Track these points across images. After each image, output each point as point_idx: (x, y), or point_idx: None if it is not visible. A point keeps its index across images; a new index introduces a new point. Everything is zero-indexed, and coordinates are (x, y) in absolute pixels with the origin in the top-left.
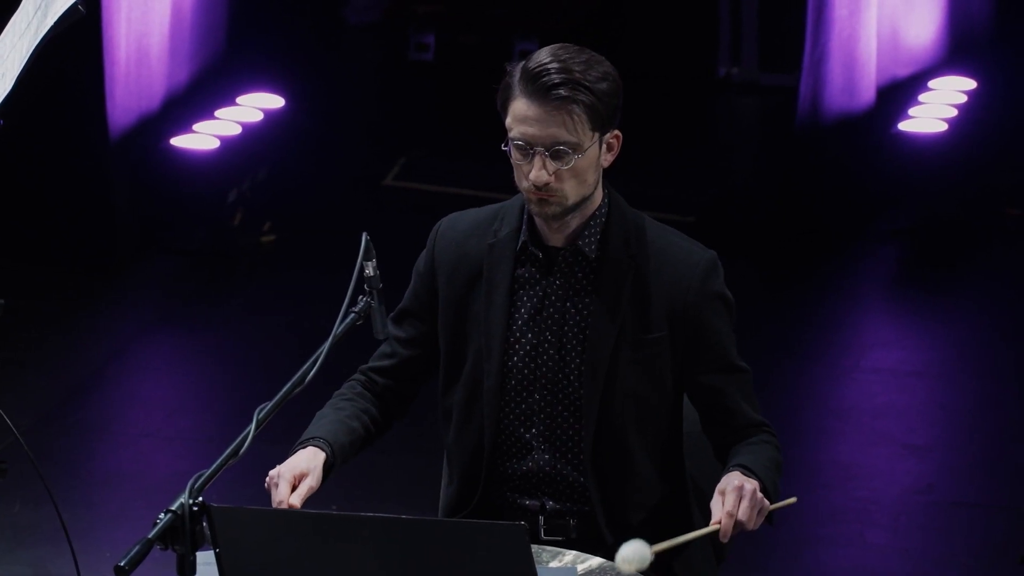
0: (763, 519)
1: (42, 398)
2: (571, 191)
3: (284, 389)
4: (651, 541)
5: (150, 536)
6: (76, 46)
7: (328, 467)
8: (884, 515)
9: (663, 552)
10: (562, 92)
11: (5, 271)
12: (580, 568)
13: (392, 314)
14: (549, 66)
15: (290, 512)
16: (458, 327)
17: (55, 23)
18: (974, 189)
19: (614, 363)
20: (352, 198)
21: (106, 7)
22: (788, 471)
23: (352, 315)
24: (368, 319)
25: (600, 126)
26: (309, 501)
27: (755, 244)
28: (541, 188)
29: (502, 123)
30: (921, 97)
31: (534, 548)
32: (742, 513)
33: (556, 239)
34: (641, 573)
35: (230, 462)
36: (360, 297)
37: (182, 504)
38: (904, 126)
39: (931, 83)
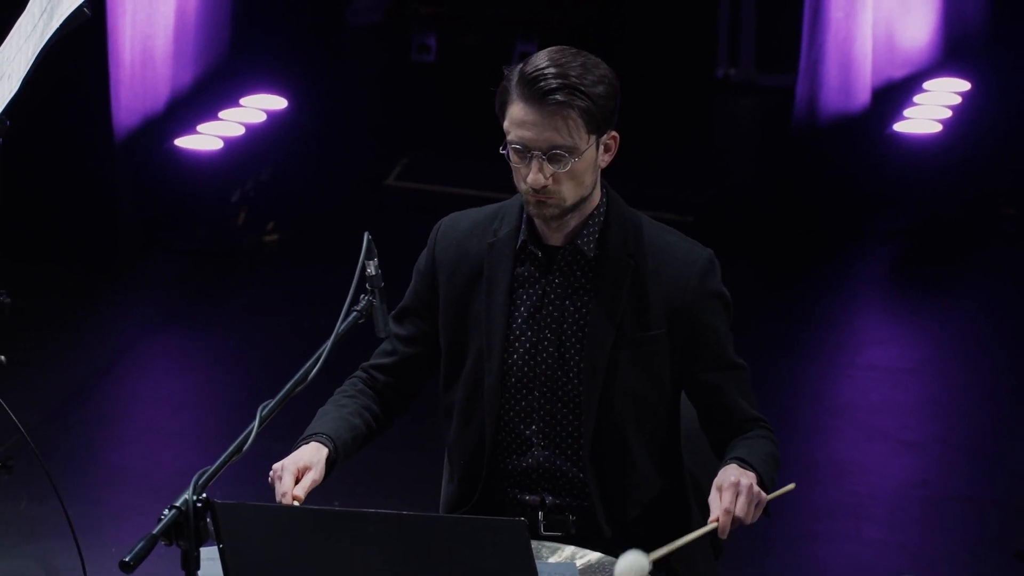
0: (761, 512)
1: (47, 396)
2: (568, 193)
3: (287, 387)
4: (649, 537)
5: (155, 532)
6: (81, 48)
7: (331, 462)
8: (880, 510)
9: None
10: (558, 97)
11: (10, 271)
12: (579, 563)
13: (393, 312)
14: (546, 71)
15: (293, 508)
16: (458, 325)
17: (61, 25)
18: (969, 189)
19: (613, 361)
20: (354, 198)
21: (111, 10)
22: (785, 467)
23: (354, 314)
24: (370, 318)
25: (596, 129)
26: (312, 497)
27: (753, 243)
28: (539, 191)
29: (501, 126)
30: (916, 98)
31: (534, 543)
32: (739, 509)
33: (555, 238)
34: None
35: (234, 459)
36: (362, 296)
37: (186, 500)
38: (899, 127)
39: (926, 84)
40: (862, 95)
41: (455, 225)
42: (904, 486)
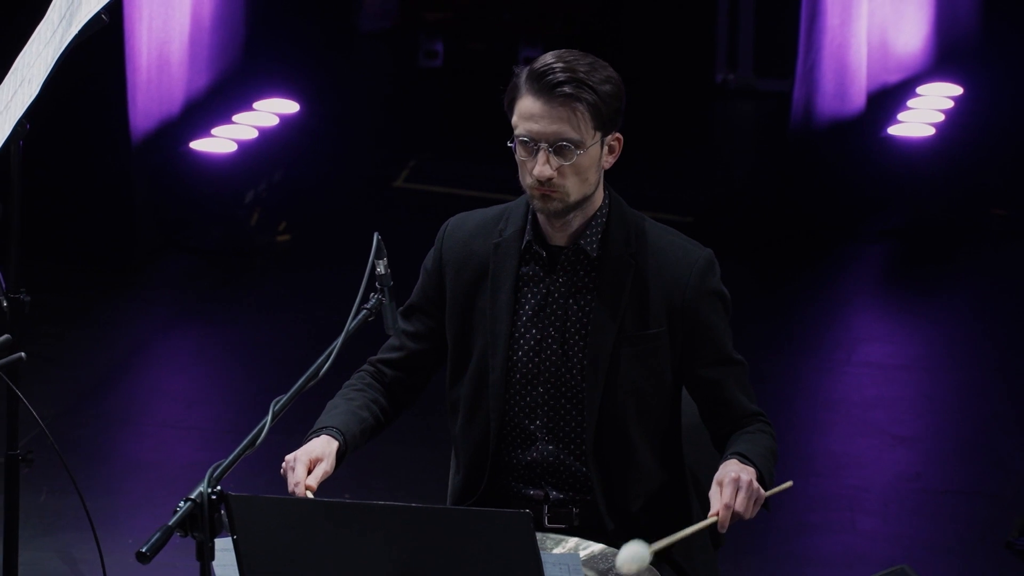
0: (759, 508)
1: (66, 390)
2: (573, 188)
3: (299, 382)
4: (651, 529)
5: (170, 523)
6: (99, 54)
7: (341, 454)
8: (874, 502)
9: (659, 550)
10: (567, 90)
11: (30, 269)
12: (582, 554)
13: (401, 309)
14: (554, 66)
15: (305, 500)
16: (464, 323)
17: (79, 32)
18: (960, 191)
19: (615, 357)
20: (364, 199)
21: (128, 16)
22: (782, 460)
23: (364, 311)
24: (379, 315)
25: (602, 126)
26: (323, 489)
27: (751, 243)
28: (544, 183)
29: (508, 126)
30: (909, 103)
31: (538, 535)
32: (739, 504)
33: (559, 238)
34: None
35: (247, 452)
36: (372, 294)
37: (201, 493)
38: (893, 130)
39: (919, 89)
40: (857, 99)
41: (462, 225)
42: (897, 479)
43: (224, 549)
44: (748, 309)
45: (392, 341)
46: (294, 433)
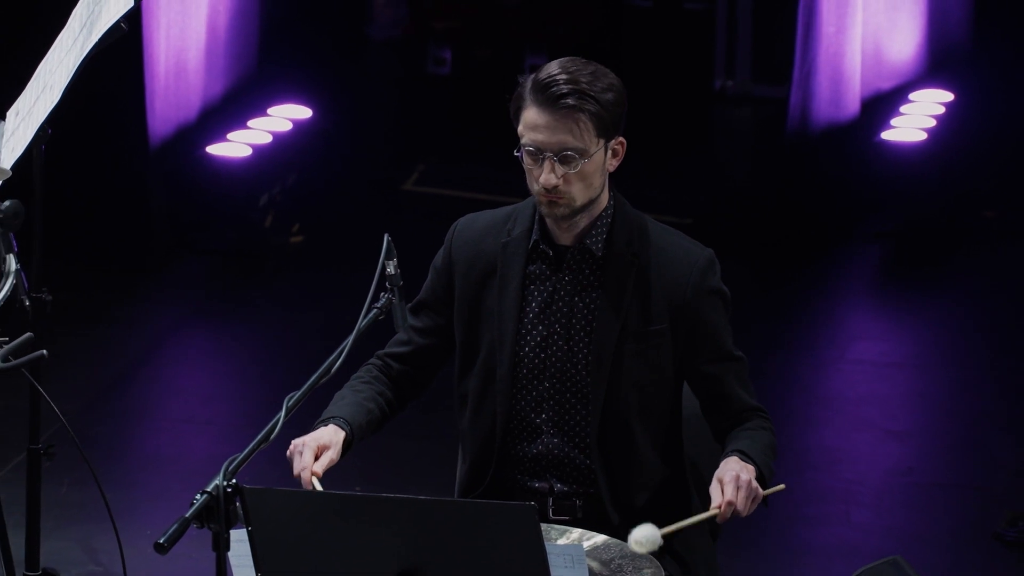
0: (756, 505)
1: (87, 387)
2: (578, 194)
3: (312, 379)
4: (653, 520)
5: (187, 515)
6: (118, 61)
7: (347, 444)
8: (868, 495)
9: (667, 535)
10: (570, 101)
11: (51, 270)
12: (586, 545)
13: (409, 305)
14: (558, 77)
15: (317, 493)
16: (473, 319)
17: (99, 39)
18: (952, 194)
19: (619, 354)
20: (374, 202)
21: (147, 25)
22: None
23: (375, 310)
24: (389, 314)
25: (605, 133)
26: (332, 481)
27: (749, 244)
28: (551, 191)
29: (514, 131)
30: (902, 108)
31: (543, 526)
32: (739, 503)
33: (565, 238)
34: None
35: (261, 446)
36: (382, 294)
37: (217, 485)
38: (886, 135)
39: (912, 95)
40: (851, 105)
41: (470, 225)
42: (890, 473)
43: (239, 540)
44: (746, 308)
45: (400, 336)
46: (307, 428)
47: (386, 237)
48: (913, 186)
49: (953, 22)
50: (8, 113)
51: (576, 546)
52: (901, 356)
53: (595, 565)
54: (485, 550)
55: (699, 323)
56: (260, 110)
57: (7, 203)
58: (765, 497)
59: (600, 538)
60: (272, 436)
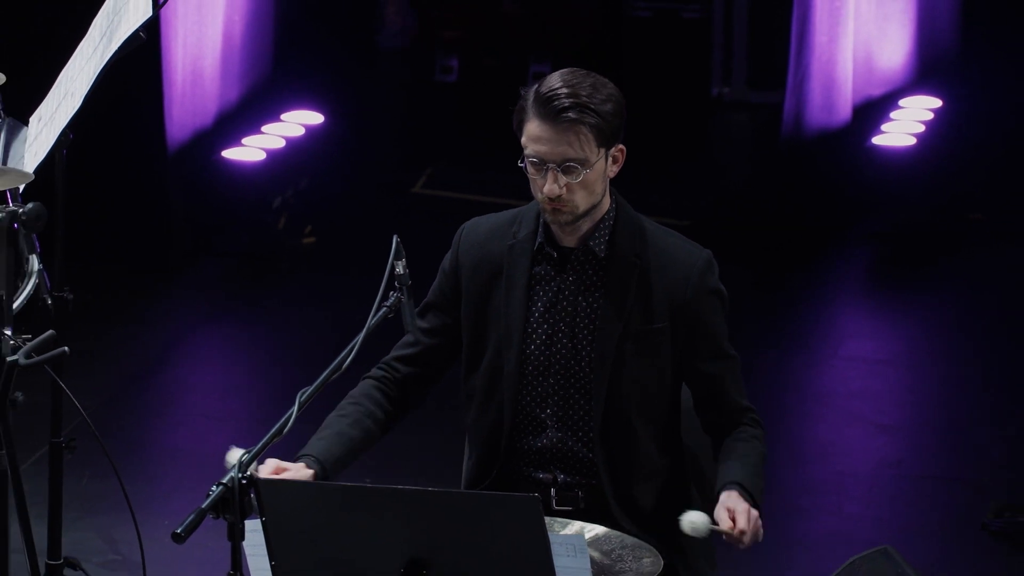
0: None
1: (108, 382)
2: (581, 201)
3: (323, 375)
4: (653, 510)
5: (204, 506)
6: (137, 69)
7: (320, 479)
8: (859, 488)
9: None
10: (571, 115)
11: (73, 270)
12: (587, 535)
13: (418, 308)
14: (559, 91)
15: (329, 485)
16: (479, 319)
17: (119, 48)
18: (940, 197)
19: (620, 351)
20: (383, 204)
21: (165, 34)
22: (773, 449)
23: (384, 309)
24: (398, 313)
25: (606, 142)
26: (344, 475)
27: (745, 245)
28: (554, 200)
29: (518, 140)
30: (892, 114)
31: (546, 518)
32: (748, 537)
33: (569, 240)
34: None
35: (275, 440)
36: (391, 293)
37: (232, 478)
38: (877, 140)
39: (901, 102)
40: (843, 111)
41: (477, 228)
42: (881, 466)
43: (254, 530)
44: (742, 307)
45: (408, 338)
46: (318, 422)
47: (395, 238)
48: (903, 189)
49: (941, 32)
50: (31, 119)
51: (578, 536)
52: (892, 353)
53: (596, 555)
54: (491, 540)
55: (698, 322)
56: (274, 116)
57: (30, 206)
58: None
59: (600, 529)
60: (285, 430)
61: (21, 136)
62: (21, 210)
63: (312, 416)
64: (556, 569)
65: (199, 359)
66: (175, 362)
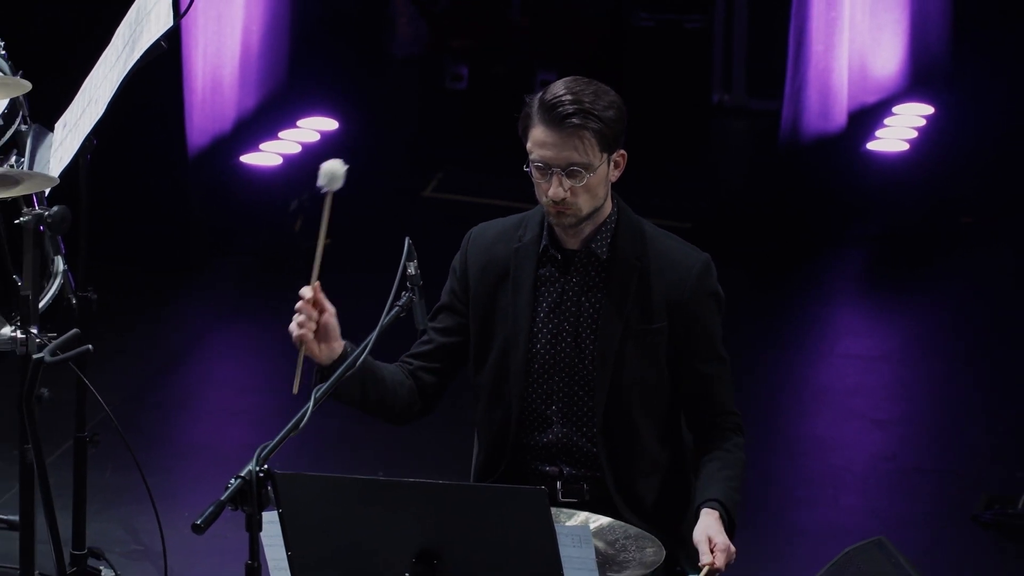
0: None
1: (130, 379)
2: (584, 204)
3: (338, 371)
4: (654, 502)
5: (223, 498)
6: (159, 77)
7: (343, 358)
8: (855, 480)
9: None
10: (575, 120)
11: (97, 271)
12: (592, 526)
13: (431, 312)
14: (563, 98)
15: (343, 478)
16: (487, 319)
17: (141, 57)
18: (932, 200)
19: (622, 350)
20: (396, 207)
21: (185, 43)
22: (771, 443)
23: (396, 308)
24: (410, 312)
25: (608, 147)
26: (358, 469)
27: (744, 247)
28: (559, 203)
29: (524, 145)
30: (886, 121)
31: (552, 509)
32: (722, 567)
33: (572, 243)
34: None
35: (292, 434)
36: (403, 293)
37: (250, 471)
38: (872, 146)
39: (895, 109)
40: (839, 118)
41: (484, 232)
42: (875, 459)
43: (271, 521)
44: (742, 306)
45: (423, 337)
46: (334, 417)
47: (407, 240)
48: (896, 193)
49: (933, 41)
50: (56, 125)
51: (583, 527)
52: (886, 351)
53: (601, 545)
54: (499, 531)
55: (695, 323)
56: (290, 122)
57: (55, 209)
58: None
59: (605, 520)
60: (301, 425)
61: (47, 142)
62: (47, 213)
63: (326, 411)
64: (562, 559)
65: (217, 356)
66: (195, 359)
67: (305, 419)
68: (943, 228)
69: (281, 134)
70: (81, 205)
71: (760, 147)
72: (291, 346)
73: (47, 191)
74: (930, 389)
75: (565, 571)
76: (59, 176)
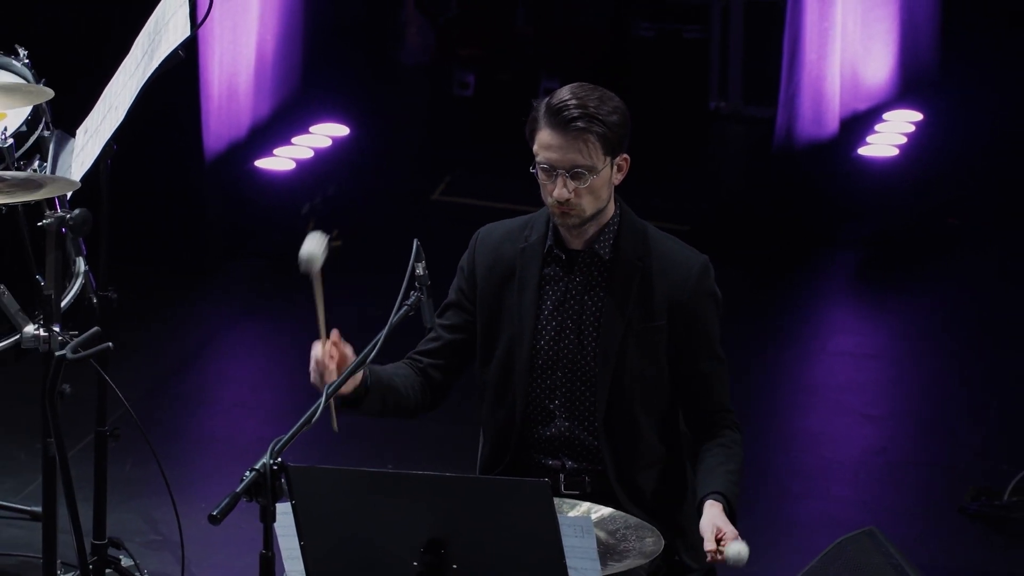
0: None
1: (148, 375)
2: (588, 205)
3: (349, 368)
4: (653, 494)
5: (238, 490)
6: (177, 84)
7: (364, 384)
8: (846, 473)
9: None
10: (579, 124)
11: (117, 272)
12: (594, 516)
13: (439, 309)
14: (568, 102)
15: (354, 471)
16: (493, 316)
17: (159, 65)
18: (920, 203)
19: (623, 347)
20: (405, 210)
21: (202, 52)
22: (766, 438)
23: (405, 307)
24: (418, 311)
25: (611, 151)
26: (368, 462)
27: (741, 248)
28: (563, 204)
29: (530, 148)
30: (877, 127)
31: (555, 500)
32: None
33: (576, 243)
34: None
35: (304, 429)
36: (412, 293)
37: (264, 464)
38: (863, 151)
39: (885, 115)
40: (831, 124)
41: (491, 233)
42: (866, 453)
43: (284, 512)
44: (738, 306)
45: (431, 334)
46: (345, 413)
47: (415, 242)
48: (886, 197)
49: (922, 50)
50: (78, 131)
51: (585, 518)
52: (876, 348)
53: (602, 535)
54: (504, 521)
55: (694, 322)
56: (303, 128)
57: (77, 211)
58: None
59: (606, 511)
60: (314, 420)
61: (69, 147)
62: (69, 216)
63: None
64: (564, 548)
65: (233, 353)
66: (210, 356)
67: (318, 414)
68: (931, 230)
69: (294, 140)
70: (102, 208)
71: (756, 152)
72: (302, 344)
73: (69, 195)
74: (919, 385)
75: (567, 560)
76: (81, 180)
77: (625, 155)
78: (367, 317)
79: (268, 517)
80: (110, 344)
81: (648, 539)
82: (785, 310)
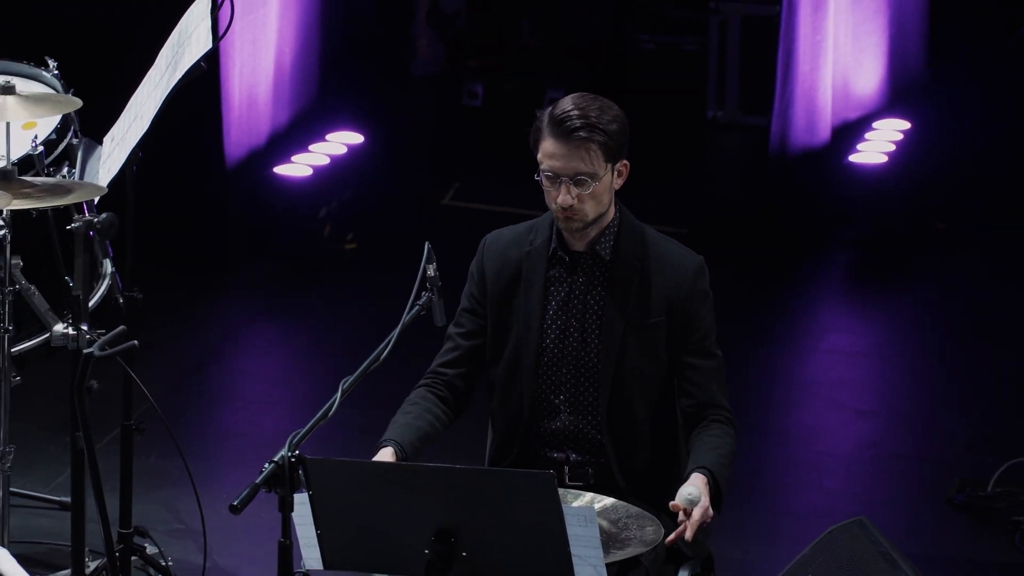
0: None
1: (172, 371)
2: (590, 210)
3: (363, 365)
4: (653, 484)
5: (257, 481)
6: (199, 94)
7: (402, 459)
8: (838, 466)
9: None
10: (582, 133)
11: (142, 272)
12: (597, 506)
13: (455, 317)
14: (571, 112)
15: (369, 463)
16: (502, 317)
17: (182, 76)
18: (909, 208)
19: (624, 344)
20: (416, 214)
21: (223, 64)
22: (761, 433)
23: (417, 307)
24: (429, 311)
25: (612, 158)
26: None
27: (737, 250)
28: (567, 209)
29: (535, 157)
30: (867, 135)
31: (560, 491)
32: (692, 527)
33: (579, 245)
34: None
35: (321, 423)
36: (423, 293)
37: (283, 456)
38: (853, 158)
39: (875, 124)
40: (823, 132)
41: (498, 238)
42: (857, 447)
43: (302, 503)
44: (734, 305)
45: (448, 344)
46: (358, 407)
47: (427, 245)
48: (876, 202)
49: (910, 62)
50: (105, 139)
51: (588, 508)
52: (867, 346)
53: (605, 524)
54: (511, 511)
55: (691, 320)
56: (319, 136)
57: (104, 215)
58: (720, 504)
59: (609, 500)
60: (330, 414)
61: (96, 154)
62: (96, 219)
63: (354, 402)
64: (569, 537)
65: (252, 351)
66: (231, 354)
67: (334, 408)
68: (918, 233)
69: (311, 147)
70: (128, 212)
71: (751, 159)
72: (319, 343)
73: (96, 199)
74: (908, 382)
75: (572, 548)
76: (107, 186)
77: (625, 161)
78: (381, 316)
79: (286, 507)
80: (136, 342)
81: (648, 528)
82: (780, 310)
